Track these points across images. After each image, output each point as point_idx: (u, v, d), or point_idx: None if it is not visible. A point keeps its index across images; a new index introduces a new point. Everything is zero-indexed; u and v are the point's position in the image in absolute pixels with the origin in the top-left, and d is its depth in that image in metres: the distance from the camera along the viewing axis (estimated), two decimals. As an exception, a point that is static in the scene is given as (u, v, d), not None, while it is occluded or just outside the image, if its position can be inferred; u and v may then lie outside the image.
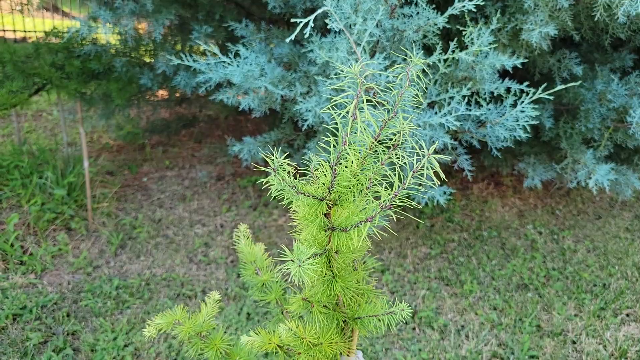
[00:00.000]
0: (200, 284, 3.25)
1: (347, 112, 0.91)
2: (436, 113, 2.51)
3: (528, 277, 3.40)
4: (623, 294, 3.22)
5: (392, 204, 0.87)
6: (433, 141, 2.47)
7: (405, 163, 0.95)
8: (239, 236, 1.43)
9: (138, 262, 3.45)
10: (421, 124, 2.40)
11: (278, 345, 1.15)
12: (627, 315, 3.08)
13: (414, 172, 0.85)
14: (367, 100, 0.92)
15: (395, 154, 0.97)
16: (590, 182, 2.99)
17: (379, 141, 0.98)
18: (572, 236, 3.94)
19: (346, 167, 0.94)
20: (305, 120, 2.80)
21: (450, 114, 2.51)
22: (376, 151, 0.97)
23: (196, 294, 3.17)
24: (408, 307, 1.12)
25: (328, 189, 0.94)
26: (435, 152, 2.75)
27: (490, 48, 2.50)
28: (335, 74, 2.40)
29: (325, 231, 1.02)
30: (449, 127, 2.51)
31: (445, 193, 2.84)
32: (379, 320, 1.14)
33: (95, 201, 3.99)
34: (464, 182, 4.64)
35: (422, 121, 2.42)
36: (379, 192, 0.97)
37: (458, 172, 4.69)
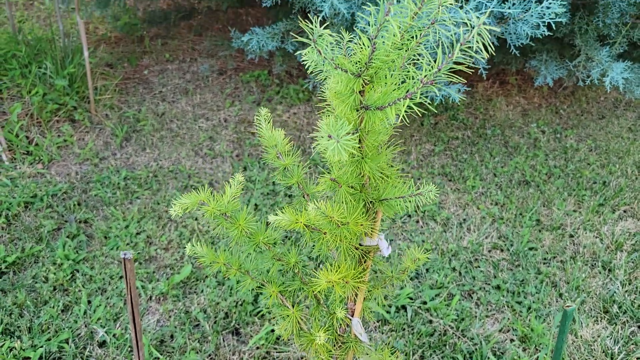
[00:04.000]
0: (207, 177, 3.29)
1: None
2: (461, 7, 2.42)
3: (530, 174, 3.45)
4: (622, 191, 3.29)
5: (435, 80, 0.85)
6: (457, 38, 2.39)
7: (442, 43, 0.92)
8: (260, 121, 1.42)
9: (144, 155, 3.46)
10: (446, 20, 2.31)
11: (305, 225, 1.18)
12: (625, 211, 3.16)
13: (461, 44, 0.82)
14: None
15: (434, 31, 0.94)
16: (606, 81, 2.95)
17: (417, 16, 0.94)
18: (575, 135, 3.96)
19: (384, 42, 0.91)
20: (320, 12, 2.69)
21: (477, 9, 2.41)
22: (414, 27, 0.94)
23: (203, 185, 3.21)
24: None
25: (365, 63, 0.91)
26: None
27: None
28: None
29: (358, 110, 1.01)
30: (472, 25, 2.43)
31: (460, 91, 2.81)
32: (406, 201, 1.16)
33: (97, 93, 3.93)
34: (469, 80, 4.57)
35: (447, 17, 2.34)
36: (413, 72, 0.95)
37: (461, 72, 4.60)
